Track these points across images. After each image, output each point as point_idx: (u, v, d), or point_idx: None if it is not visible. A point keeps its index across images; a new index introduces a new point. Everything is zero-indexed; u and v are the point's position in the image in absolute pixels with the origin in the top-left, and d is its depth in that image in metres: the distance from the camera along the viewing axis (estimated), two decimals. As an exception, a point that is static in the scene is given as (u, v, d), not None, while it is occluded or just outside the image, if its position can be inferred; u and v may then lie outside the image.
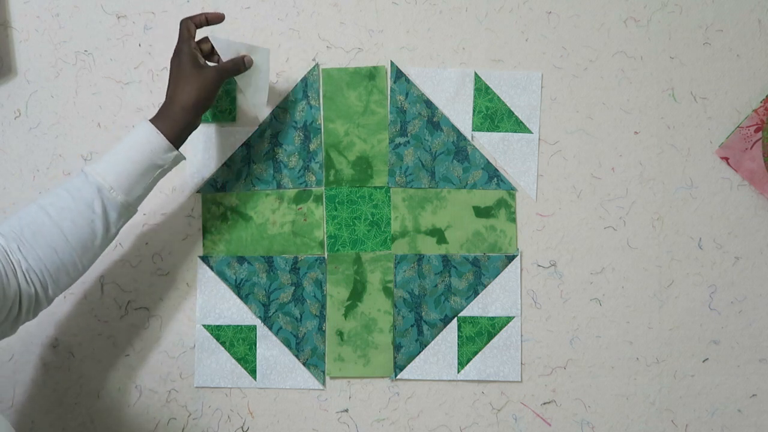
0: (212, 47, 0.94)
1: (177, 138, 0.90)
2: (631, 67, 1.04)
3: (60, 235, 0.83)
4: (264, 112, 1.04)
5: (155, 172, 0.89)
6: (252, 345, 1.05)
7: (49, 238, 0.83)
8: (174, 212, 1.06)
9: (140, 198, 0.90)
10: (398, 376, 1.04)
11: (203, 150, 1.05)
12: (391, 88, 1.04)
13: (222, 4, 1.05)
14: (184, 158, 0.92)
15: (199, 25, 0.94)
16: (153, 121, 0.89)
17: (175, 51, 0.92)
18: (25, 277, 0.82)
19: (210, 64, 0.94)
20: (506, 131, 1.04)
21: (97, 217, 0.85)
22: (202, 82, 0.90)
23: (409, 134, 1.04)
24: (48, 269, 0.83)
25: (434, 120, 1.04)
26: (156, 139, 0.88)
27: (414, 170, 1.04)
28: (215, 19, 0.95)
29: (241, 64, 0.94)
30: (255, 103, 1.00)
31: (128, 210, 0.89)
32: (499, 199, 1.04)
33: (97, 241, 0.86)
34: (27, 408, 1.05)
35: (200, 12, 0.97)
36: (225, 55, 0.94)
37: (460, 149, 1.04)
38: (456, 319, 1.04)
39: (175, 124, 0.89)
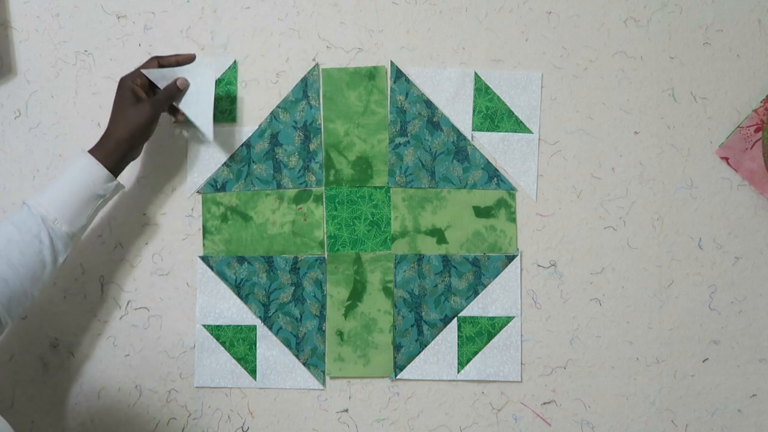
0: (147, 80, 0.96)
1: (115, 168, 0.93)
2: (631, 67, 1.04)
3: (9, 267, 0.85)
4: (211, 132, 1.00)
5: (97, 201, 0.92)
6: (252, 345, 1.05)
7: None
8: (174, 212, 1.06)
9: (84, 227, 0.93)
10: (398, 376, 1.04)
11: (203, 150, 1.05)
12: (391, 88, 1.04)
13: (222, 4, 1.05)
14: (124, 187, 0.95)
15: (167, 65, 0.98)
16: (92, 152, 0.92)
17: (117, 85, 0.95)
18: None
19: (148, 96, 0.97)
20: (506, 131, 1.04)
21: (44, 248, 0.87)
22: (136, 117, 0.93)
23: (409, 134, 1.04)
24: (0, 301, 0.84)
25: (434, 120, 1.04)
26: (96, 170, 0.91)
27: (414, 170, 1.04)
28: (186, 60, 0.99)
29: (174, 91, 0.98)
30: (201, 123, 0.99)
31: (73, 240, 0.91)
32: (499, 199, 1.04)
33: (46, 271, 0.89)
34: (27, 408, 1.05)
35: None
36: (161, 84, 0.97)
37: (460, 149, 1.04)
38: (456, 319, 1.04)
39: (112, 156, 0.92)
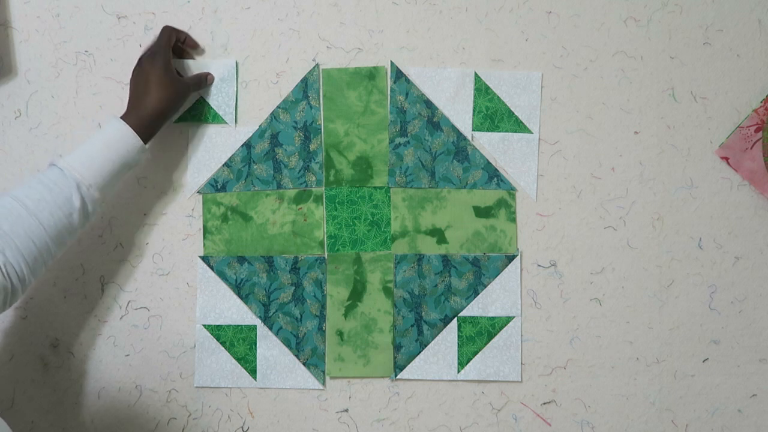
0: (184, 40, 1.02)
1: (147, 139, 0.94)
2: (631, 67, 1.04)
3: (38, 227, 0.85)
4: (233, 122, 1.05)
5: (127, 171, 0.94)
6: (252, 345, 1.05)
7: (28, 229, 0.84)
8: (174, 212, 1.06)
9: (110, 194, 0.94)
10: (398, 376, 1.04)
11: (203, 150, 1.05)
12: (391, 88, 1.04)
13: (222, 4, 1.05)
14: (150, 157, 0.99)
15: (180, 40, 1.02)
16: (126, 120, 0.93)
17: (150, 53, 0.97)
18: (2, 271, 0.82)
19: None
20: (506, 131, 1.04)
21: (75, 211, 0.88)
22: (175, 93, 0.96)
23: (409, 134, 1.04)
24: (27, 260, 0.84)
25: (434, 120, 1.04)
26: (132, 140, 0.92)
27: (414, 170, 1.04)
28: (192, 44, 1.04)
29: (203, 81, 1.02)
30: (224, 113, 1.04)
31: (101, 205, 0.92)
32: (499, 199, 1.04)
33: (74, 234, 0.90)
34: (27, 408, 1.05)
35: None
36: (185, 73, 1.03)
37: (460, 149, 1.04)
38: (456, 319, 1.04)
39: (147, 127, 0.94)
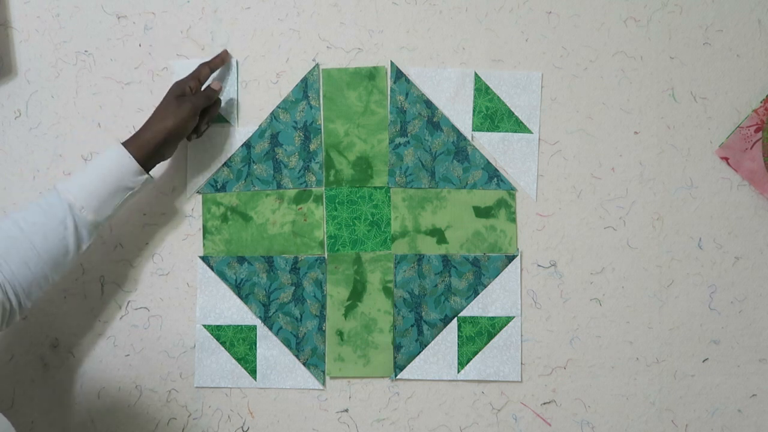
0: (199, 85, 1.00)
1: (147, 162, 0.93)
2: (631, 67, 1.04)
3: (32, 250, 0.85)
4: (236, 120, 1.05)
5: (125, 194, 0.92)
6: (252, 345, 1.05)
7: (22, 252, 0.85)
8: (174, 212, 1.06)
9: (110, 217, 0.93)
10: (398, 376, 1.04)
11: (203, 150, 1.05)
12: (391, 88, 1.04)
13: (222, 4, 1.05)
14: (153, 180, 0.95)
15: (215, 69, 1.02)
16: (126, 143, 0.92)
17: (176, 87, 0.98)
18: (1, 288, 0.83)
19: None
20: (506, 131, 1.04)
21: (69, 234, 0.88)
22: (177, 114, 0.94)
23: (409, 134, 1.04)
24: (20, 283, 0.85)
25: (434, 120, 1.04)
26: (126, 161, 0.91)
27: (414, 170, 1.04)
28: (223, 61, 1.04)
29: (212, 93, 1.00)
30: (226, 113, 1.05)
31: (97, 228, 0.92)
32: (499, 199, 1.04)
33: (69, 257, 0.89)
34: (27, 408, 1.05)
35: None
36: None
37: (460, 149, 1.04)
38: (456, 319, 1.04)
39: (145, 149, 0.93)
